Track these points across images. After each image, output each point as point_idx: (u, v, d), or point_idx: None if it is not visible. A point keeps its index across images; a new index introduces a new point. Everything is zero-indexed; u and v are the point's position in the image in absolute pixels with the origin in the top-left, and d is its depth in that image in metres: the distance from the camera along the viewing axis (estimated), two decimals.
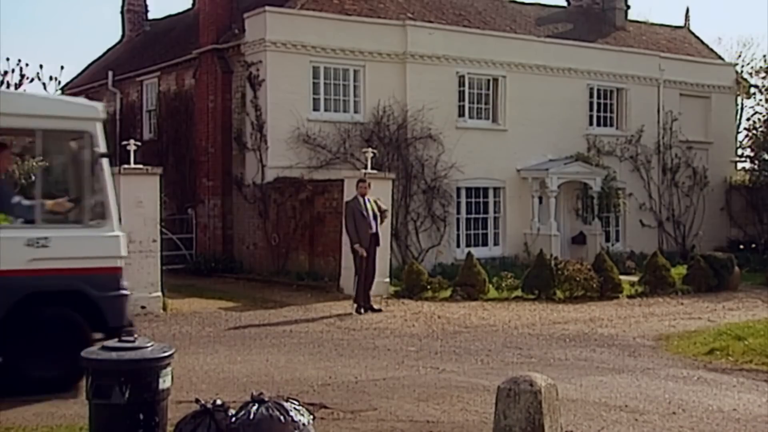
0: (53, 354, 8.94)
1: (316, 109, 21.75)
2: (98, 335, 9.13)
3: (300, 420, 5.97)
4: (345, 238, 16.49)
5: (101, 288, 9.22)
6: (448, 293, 17.69)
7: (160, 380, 5.99)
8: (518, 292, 17.87)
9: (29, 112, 9.34)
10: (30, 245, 8.94)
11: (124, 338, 6.25)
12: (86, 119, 9.44)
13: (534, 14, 28.31)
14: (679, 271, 20.18)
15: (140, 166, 15.61)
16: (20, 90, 8.72)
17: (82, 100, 10.16)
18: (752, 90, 30.58)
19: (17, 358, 8.87)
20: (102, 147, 9.35)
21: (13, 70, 20.20)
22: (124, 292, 9.49)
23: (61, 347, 8.93)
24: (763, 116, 29.43)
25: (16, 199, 9.46)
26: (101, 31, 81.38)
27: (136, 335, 6.30)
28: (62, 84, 24.81)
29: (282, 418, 5.92)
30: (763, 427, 8.13)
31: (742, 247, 25.12)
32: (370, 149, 18.75)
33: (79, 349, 8.89)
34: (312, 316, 15.24)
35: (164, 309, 15.20)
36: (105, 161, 9.38)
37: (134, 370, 5.92)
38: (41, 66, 30.07)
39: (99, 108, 9.63)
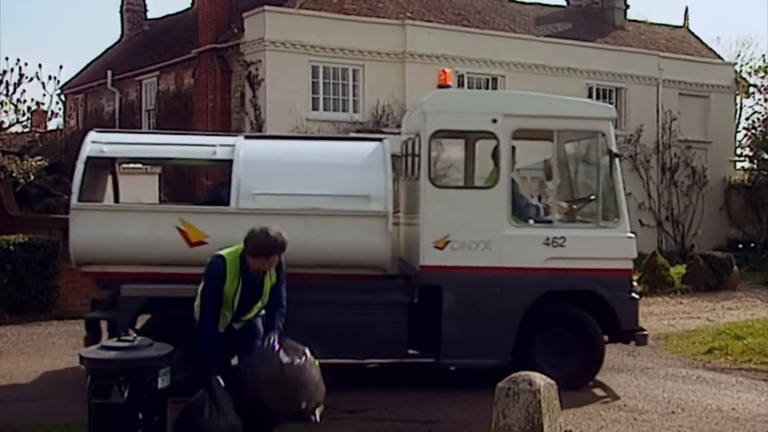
0: (565, 353, 9.28)
1: (315, 108, 21.74)
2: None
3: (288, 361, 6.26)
4: None
5: (613, 289, 9.25)
6: None
7: (160, 380, 6.00)
8: None
9: (548, 114, 9.55)
10: (547, 244, 9.14)
11: (123, 338, 6.24)
12: (599, 119, 9.57)
13: (533, 14, 28.31)
14: (678, 271, 20.17)
15: (139, 165, 15.61)
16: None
17: (593, 101, 10.44)
18: (751, 89, 30.59)
19: (533, 355, 9.19)
20: (615, 147, 9.45)
21: (12, 70, 20.24)
22: (635, 295, 9.52)
23: (573, 347, 9.28)
24: (762, 116, 29.44)
25: (525, 200, 9.75)
26: (100, 30, 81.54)
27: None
28: (61, 83, 24.77)
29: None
30: (762, 426, 8.13)
31: (741, 246, 25.09)
32: None
33: (590, 351, 9.29)
34: None
35: None
36: (617, 161, 9.47)
37: (133, 370, 5.92)
38: (40, 65, 30.20)
39: (611, 108, 9.73)
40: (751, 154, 29.19)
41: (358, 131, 21.09)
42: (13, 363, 10.68)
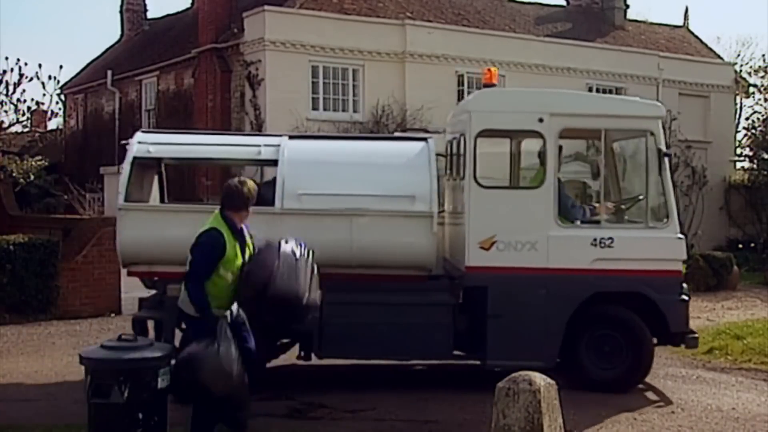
0: (612, 355, 9.12)
1: (315, 108, 21.75)
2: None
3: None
4: None
5: (662, 291, 9.07)
6: None
7: (159, 379, 6.00)
8: None
9: (596, 112, 9.36)
10: (594, 245, 9.00)
11: (123, 337, 6.25)
12: (648, 118, 9.37)
13: (533, 13, 28.32)
14: None
15: None
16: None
17: (642, 99, 10.17)
18: (751, 89, 30.60)
19: (579, 357, 9.09)
20: (664, 146, 9.27)
21: (12, 69, 20.26)
22: (686, 297, 9.31)
23: (621, 349, 9.11)
24: (762, 115, 29.47)
25: (570, 201, 9.56)
26: (100, 30, 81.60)
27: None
28: (61, 83, 24.77)
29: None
30: (762, 426, 8.13)
31: (741, 246, 25.07)
32: None
33: (638, 353, 9.07)
34: None
35: None
36: (666, 160, 9.30)
37: (133, 370, 5.92)
38: (40, 65, 30.13)
39: (660, 106, 9.51)
40: (751, 153, 29.20)
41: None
42: (13, 363, 10.68)
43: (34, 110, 22.18)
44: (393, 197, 9.08)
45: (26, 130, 24.89)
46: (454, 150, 10.00)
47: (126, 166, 9.26)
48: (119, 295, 14.73)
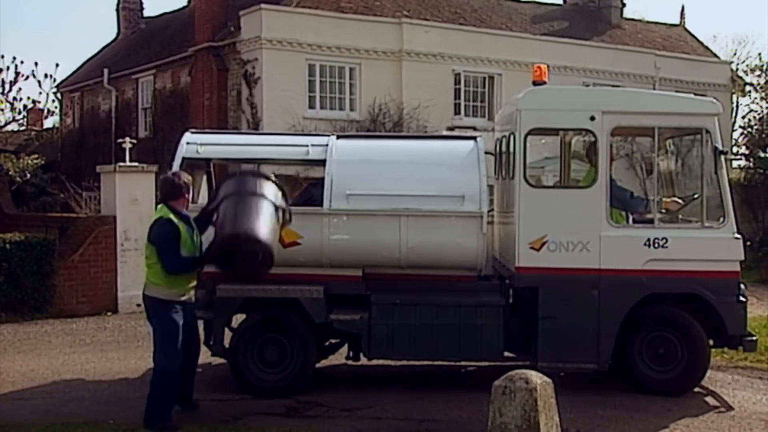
0: (667, 357, 9.00)
1: (312, 107, 21.74)
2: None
3: None
4: None
5: (718, 292, 8.91)
6: None
7: None
8: None
9: (649, 110, 9.17)
10: (648, 245, 8.86)
11: None
12: (704, 115, 9.12)
13: (530, 12, 28.34)
14: None
15: (136, 163, 15.61)
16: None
17: (697, 97, 10.03)
18: (747, 88, 30.63)
19: (633, 360, 8.98)
20: (720, 144, 9.03)
21: (8, 68, 20.24)
22: (743, 298, 9.13)
23: (676, 351, 8.99)
24: (759, 114, 29.47)
25: (629, 193, 9.42)
26: (97, 28, 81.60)
27: None
28: (57, 82, 24.75)
29: None
30: (758, 423, 8.15)
31: None
32: None
33: (694, 356, 8.92)
34: None
35: None
36: (722, 158, 9.04)
37: None
38: (36, 63, 30.22)
39: (716, 104, 9.32)
40: (747, 152, 29.20)
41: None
42: (10, 362, 10.67)
43: (31, 108, 22.19)
44: (442, 197, 8.98)
45: (22, 128, 24.92)
46: (503, 148, 9.88)
47: (175, 166, 9.22)
48: (116, 293, 14.73)
